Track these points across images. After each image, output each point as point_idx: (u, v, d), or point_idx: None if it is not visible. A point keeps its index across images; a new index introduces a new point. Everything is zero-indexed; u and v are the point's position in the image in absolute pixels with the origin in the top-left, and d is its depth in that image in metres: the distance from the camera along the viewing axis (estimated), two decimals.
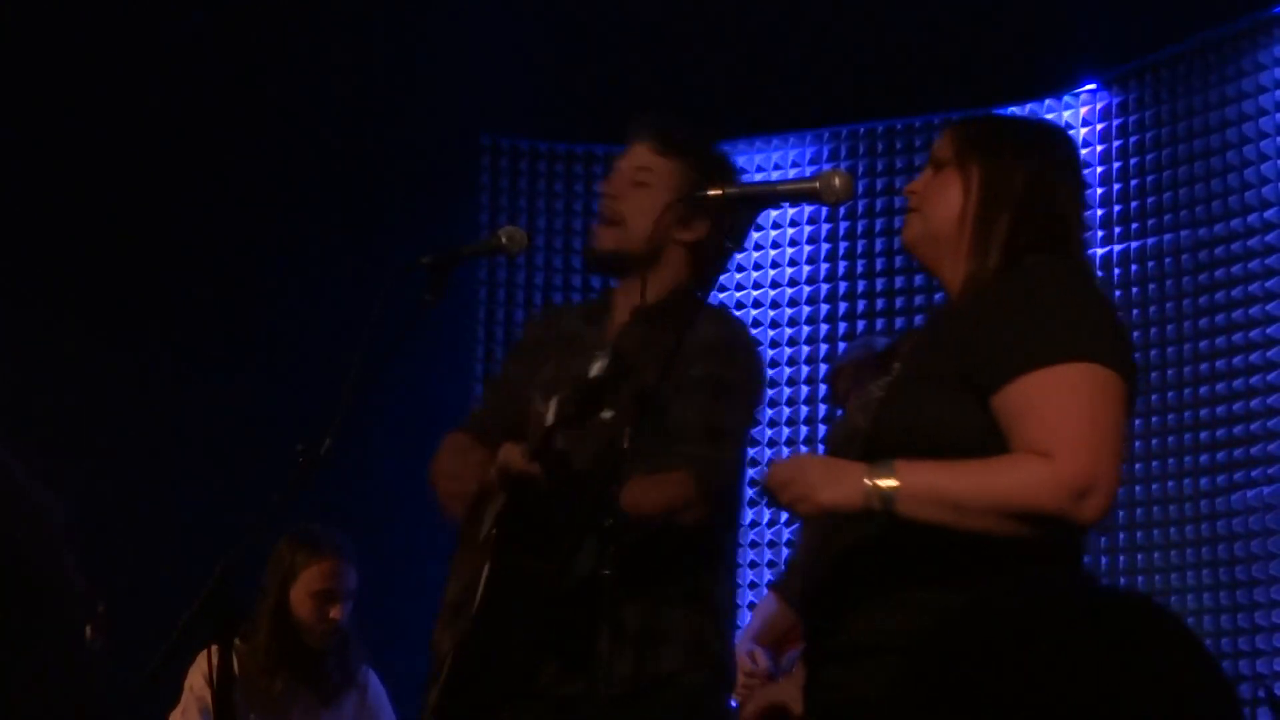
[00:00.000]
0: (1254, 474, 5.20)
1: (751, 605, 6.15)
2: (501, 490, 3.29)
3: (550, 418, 3.12)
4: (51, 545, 1.19)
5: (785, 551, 6.17)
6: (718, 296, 6.33)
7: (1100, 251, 5.72)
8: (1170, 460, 5.45)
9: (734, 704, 4.66)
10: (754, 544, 6.24)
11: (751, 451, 6.31)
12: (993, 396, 2.65)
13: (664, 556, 3.36)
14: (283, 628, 4.60)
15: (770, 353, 6.35)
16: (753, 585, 6.23)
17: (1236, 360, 5.32)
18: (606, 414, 3.08)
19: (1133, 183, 5.71)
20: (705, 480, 3.30)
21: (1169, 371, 5.51)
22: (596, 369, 3.04)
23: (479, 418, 3.69)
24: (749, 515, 6.22)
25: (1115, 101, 5.81)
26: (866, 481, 2.60)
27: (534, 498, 3.23)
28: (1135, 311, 5.62)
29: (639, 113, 3.71)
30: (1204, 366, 5.41)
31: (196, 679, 4.54)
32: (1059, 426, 2.59)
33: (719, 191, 3.13)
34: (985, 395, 2.66)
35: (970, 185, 2.84)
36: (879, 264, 6.22)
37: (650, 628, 3.37)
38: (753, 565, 6.27)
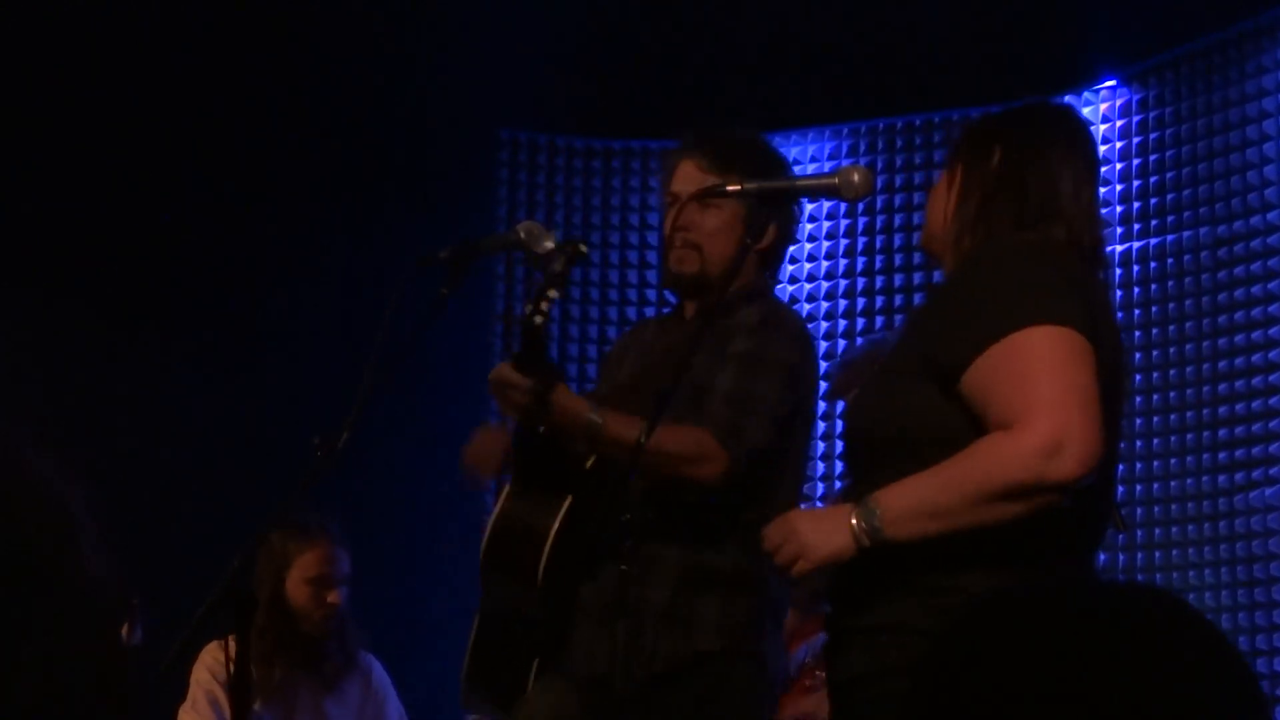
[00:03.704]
0: (1271, 471, 5.19)
1: None
2: (504, 408, 3.36)
3: (527, 311, 3.16)
4: (69, 536, 1.18)
5: None
6: None
7: (1119, 248, 5.71)
8: (1188, 458, 5.44)
9: None
10: None
11: None
12: (958, 386, 2.66)
13: (694, 535, 3.38)
14: (280, 617, 4.63)
15: None
16: None
17: (1255, 358, 5.30)
18: (553, 294, 3.14)
19: (1152, 179, 5.69)
20: (724, 441, 3.32)
21: (1187, 369, 5.49)
22: (557, 265, 3.13)
23: None
24: None
25: (1135, 98, 5.79)
26: (853, 522, 2.63)
27: (532, 416, 3.28)
28: (1154, 308, 5.61)
29: (684, 128, 3.75)
30: (1222, 364, 5.40)
31: (202, 673, 4.58)
32: (1016, 396, 2.58)
33: (738, 186, 3.15)
34: (951, 384, 2.67)
35: (954, 178, 2.86)
36: (898, 260, 6.21)
37: (680, 608, 3.38)
38: None
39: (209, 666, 4.53)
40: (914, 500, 2.63)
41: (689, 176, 3.61)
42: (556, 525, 3.35)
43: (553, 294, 3.17)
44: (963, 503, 2.58)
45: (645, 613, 3.34)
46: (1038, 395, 2.56)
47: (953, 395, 2.67)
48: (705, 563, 3.41)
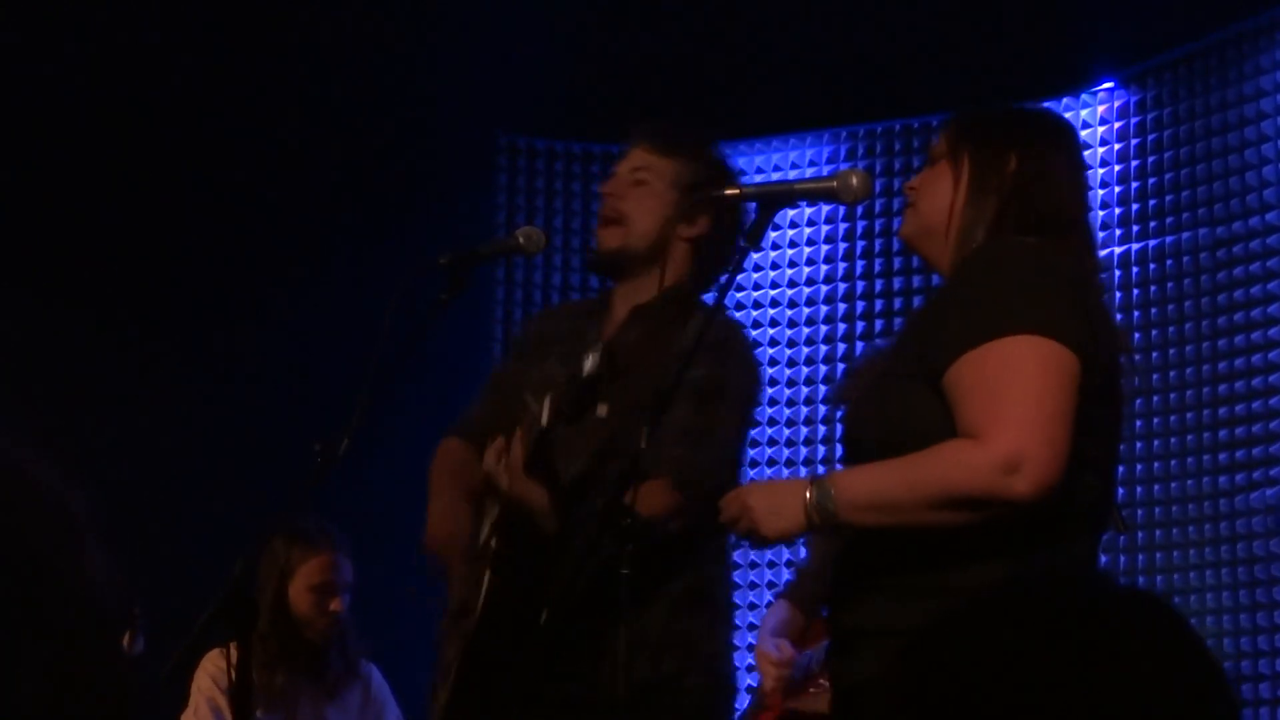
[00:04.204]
0: (1272, 473, 5.19)
1: (752, 606, 6.16)
2: (495, 501, 3.32)
3: (545, 418, 3.11)
4: (69, 540, 1.18)
5: (785, 553, 6.17)
6: (735, 297, 6.33)
7: (1118, 250, 5.71)
8: (1188, 459, 5.44)
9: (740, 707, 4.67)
10: None
11: (770, 451, 6.31)
12: (940, 383, 2.67)
13: (656, 560, 3.35)
14: (282, 623, 4.63)
15: (788, 352, 6.35)
16: (752, 585, 6.22)
17: (1255, 359, 5.30)
18: (601, 410, 3.12)
19: (1150, 181, 5.69)
20: (685, 484, 3.28)
21: (1186, 370, 5.49)
22: (589, 365, 3.08)
23: (473, 419, 3.69)
24: None
25: (1133, 100, 5.79)
26: (806, 497, 2.65)
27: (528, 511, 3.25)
28: (1154, 310, 5.61)
29: (638, 118, 3.74)
30: (1221, 365, 5.40)
31: (204, 679, 4.58)
32: (986, 404, 2.59)
33: (736, 190, 3.14)
34: (936, 382, 2.67)
35: (960, 175, 2.85)
36: (897, 263, 6.21)
37: (643, 632, 3.35)
38: (753, 565, 6.25)
39: (211, 673, 4.54)
40: (870, 490, 2.66)
41: (636, 158, 3.62)
42: (550, 597, 3.34)
43: (603, 411, 3.18)
44: (916, 503, 2.61)
45: (607, 643, 3.32)
46: (1006, 410, 2.56)
47: (943, 396, 2.68)
48: (656, 586, 3.38)
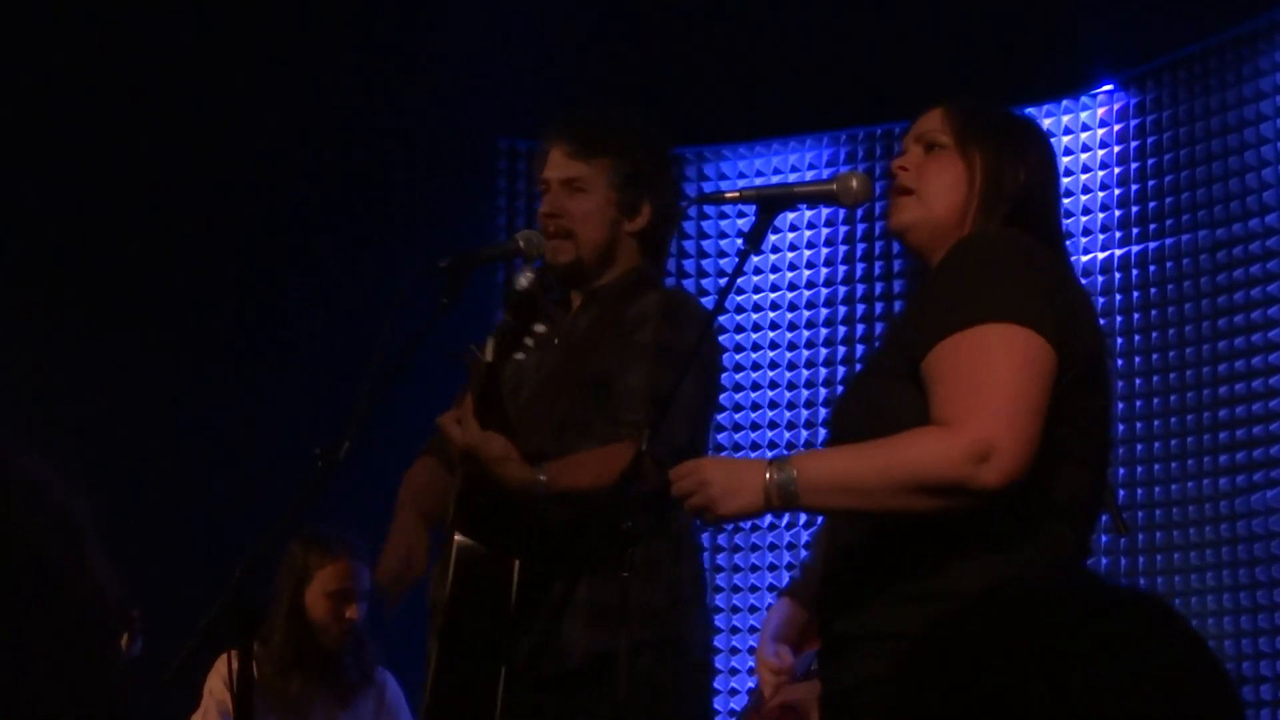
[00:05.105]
0: (1274, 474, 5.19)
1: (753, 609, 6.16)
2: (462, 465, 3.32)
3: (489, 354, 3.15)
4: (73, 543, 1.18)
5: (786, 555, 6.17)
6: (735, 299, 6.33)
7: (1119, 253, 5.71)
8: (1190, 461, 5.44)
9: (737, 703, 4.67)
10: (773, 546, 6.24)
11: (770, 455, 6.31)
12: (918, 370, 2.67)
13: (606, 530, 3.32)
14: (298, 629, 4.63)
15: (789, 355, 6.35)
16: (753, 588, 6.22)
17: (1256, 360, 5.30)
18: (540, 327, 3.13)
19: (1150, 183, 5.69)
20: (648, 449, 3.25)
21: (1188, 372, 5.49)
22: (524, 281, 3.10)
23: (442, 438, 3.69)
24: (770, 517, 6.21)
25: (1133, 102, 5.79)
26: (767, 476, 2.60)
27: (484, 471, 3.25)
28: (1154, 312, 5.60)
29: (553, 116, 3.72)
30: (1223, 367, 5.40)
31: (215, 683, 4.57)
32: (958, 392, 2.58)
33: (736, 193, 3.14)
34: (915, 371, 2.67)
35: (974, 176, 2.86)
36: (897, 266, 6.21)
37: (599, 600, 3.34)
38: (754, 568, 6.26)
39: (223, 676, 4.53)
40: (835, 472, 2.62)
41: (556, 163, 3.61)
42: (518, 568, 3.32)
43: (541, 329, 3.18)
44: (884, 487, 2.58)
45: (565, 608, 3.31)
46: (978, 398, 2.56)
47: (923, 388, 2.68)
48: (618, 555, 3.35)
